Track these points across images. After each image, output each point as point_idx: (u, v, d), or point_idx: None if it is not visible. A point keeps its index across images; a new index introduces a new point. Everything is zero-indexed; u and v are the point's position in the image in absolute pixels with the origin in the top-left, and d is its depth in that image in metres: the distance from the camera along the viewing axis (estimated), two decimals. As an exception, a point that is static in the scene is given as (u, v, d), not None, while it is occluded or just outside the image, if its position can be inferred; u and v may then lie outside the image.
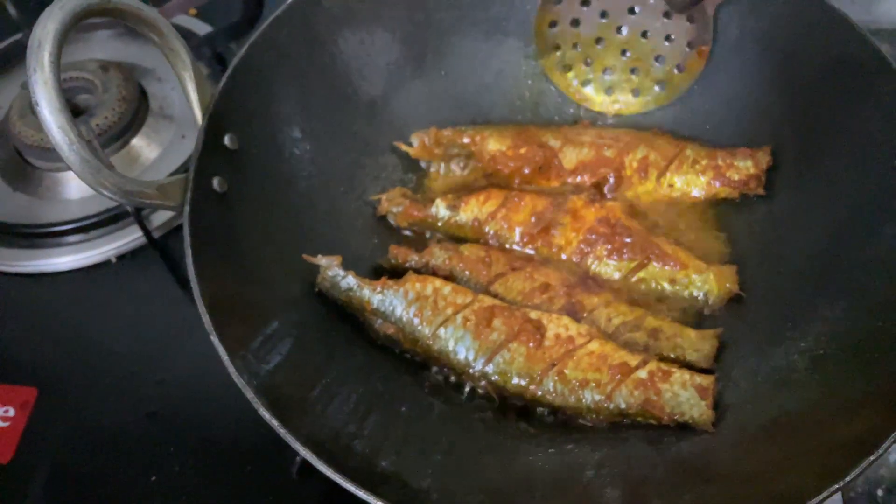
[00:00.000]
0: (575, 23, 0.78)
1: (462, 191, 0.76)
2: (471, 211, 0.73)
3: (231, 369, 0.51)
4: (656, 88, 0.78)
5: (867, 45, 0.63)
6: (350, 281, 0.65)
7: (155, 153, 0.92)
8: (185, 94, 0.61)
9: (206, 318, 0.53)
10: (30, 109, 0.91)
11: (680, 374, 0.61)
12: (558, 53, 0.79)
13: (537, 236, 0.71)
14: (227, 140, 0.63)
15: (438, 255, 0.70)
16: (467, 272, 0.69)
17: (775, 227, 0.68)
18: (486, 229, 0.73)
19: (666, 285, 0.69)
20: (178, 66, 0.60)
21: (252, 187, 0.65)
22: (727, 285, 0.67)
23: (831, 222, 0.63)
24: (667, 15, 0.75)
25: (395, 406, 0.62)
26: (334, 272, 0.65)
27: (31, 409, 0.75)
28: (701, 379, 0.60)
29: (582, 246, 0.70)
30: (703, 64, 0.75)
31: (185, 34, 0.99)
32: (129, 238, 0.85)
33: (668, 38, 0.76)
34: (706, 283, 0.68)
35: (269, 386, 0.53)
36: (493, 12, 0.77)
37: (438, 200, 0.74)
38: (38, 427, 0.74)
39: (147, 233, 0.83)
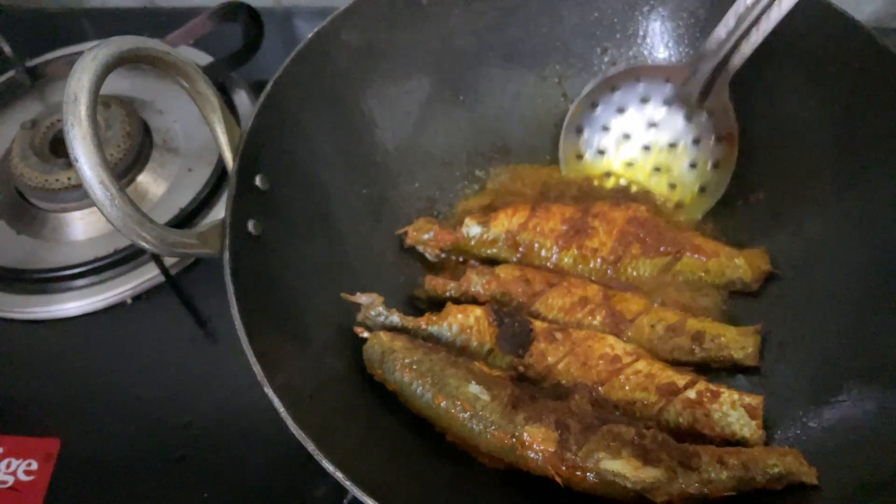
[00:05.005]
0: (601, 153, 0.79)
1: (487, 209, 0.77)
2: (501, 225, 0.73)
3: (289, 422, 0.50)
4: (698, 195, 0.76)
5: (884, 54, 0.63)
6: (395, 319, 0.64)
7: (162, 188, 0.90)
8: (214, 137, 0.60)
9: (257, 369, 0.52)
10: (31, 150, 0.89)
11: (729, 395, 0.61)
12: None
13: (572, 240, 0.71)
14: (258, 181, 0.61)
15: (476, 281, 0.69)
16: (509, 293, 0.69)
17: (810, 244, 0.68)
18: (520, 240, 0.73)
19: (702, 275, 0.70)
20: (206, 109, 0.59)
21: (284, 228, 0.63)
22: (760, 266, 0.69)
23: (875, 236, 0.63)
24: (687, 118, 0.74)
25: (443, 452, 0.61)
26: (377, 311, 0.64)
27: (55, 460, 0.73)
28: (750, 399, 0.60)
29: (617, 245, 0.71)
30: (735, 150, 0.73)
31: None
32: (143, 278, 0.83)
33: (696, 141, 0.75)
34: (739, 266, 0.69)
35: (324, 433, 0.52)
36: (509, 36, 0.77)
37: (468, 220, 0.74)
38: (65, 479, 0.72)
39: (165, 272, 0.81)
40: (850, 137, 0.66)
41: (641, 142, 0.77)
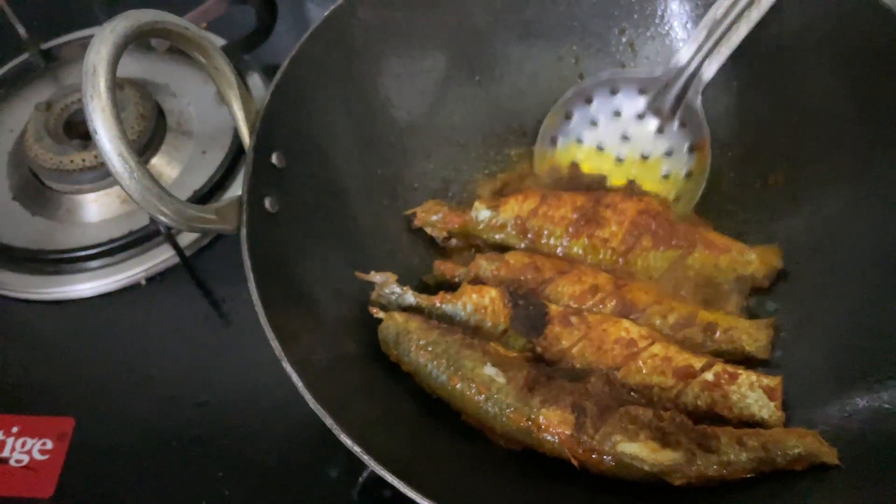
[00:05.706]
0: (574, 165, 0.78)
1: (499, 194, 0.77)
2: (511, 210, 0.72)
3: (307, 396, 0.50)
4: (672, 204, 0.75)
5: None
6: (409, 298, 0.64)
7: (176, 171, 0.90)
8: (232, 114, 0.60)
9: (275, 344, 0.52)
10: (46, 132, 0.89)
11: (747, 376, 0.60)
12: None
13: (582, 229, 0.71)
14: (274, 158, 0.61)
15: (486, 267, 0.69)
16: (519, 279, 0.68)
17: (829, 225, 0.67)
18: (529, 226, 0.72)
19: (712, 270, 0.69)
20: (223, 86, 0.59)
21: (300, 205, 0.63)
22: (773, 263, 0.68)
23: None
24: (660, 130, 0.76)
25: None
26: (391, 289, 0.64)
27: (70, 439, 0.73)
28: (769, 380, 0.60)
29: (627, 236, 0.70)
30: (708, 159, 0.74)
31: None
32: (157, 259, 0.83)
33: (668, 153, 0.76)
34: (751, 263, 0.68)
35: (341, 408, 0.52)
36: (527, 15, 0.76)
37: (477, 203, 0.73)
38: (79, 458, 0.72)
39: (181, 253, 0.81)
40: (871, 117, 0.65)
41: (615, 153, 0.78)
